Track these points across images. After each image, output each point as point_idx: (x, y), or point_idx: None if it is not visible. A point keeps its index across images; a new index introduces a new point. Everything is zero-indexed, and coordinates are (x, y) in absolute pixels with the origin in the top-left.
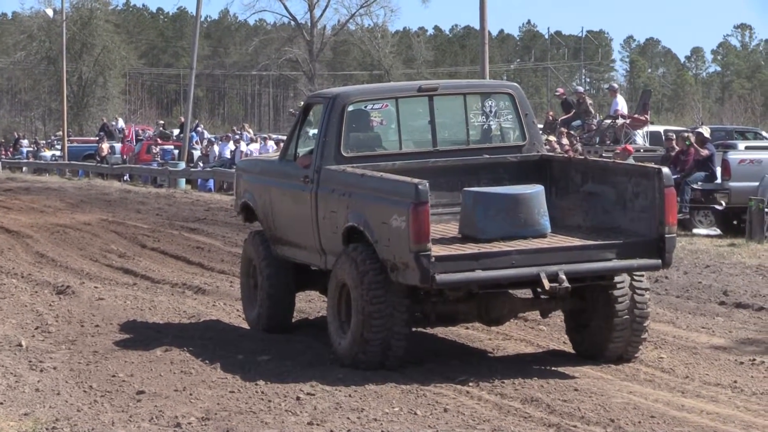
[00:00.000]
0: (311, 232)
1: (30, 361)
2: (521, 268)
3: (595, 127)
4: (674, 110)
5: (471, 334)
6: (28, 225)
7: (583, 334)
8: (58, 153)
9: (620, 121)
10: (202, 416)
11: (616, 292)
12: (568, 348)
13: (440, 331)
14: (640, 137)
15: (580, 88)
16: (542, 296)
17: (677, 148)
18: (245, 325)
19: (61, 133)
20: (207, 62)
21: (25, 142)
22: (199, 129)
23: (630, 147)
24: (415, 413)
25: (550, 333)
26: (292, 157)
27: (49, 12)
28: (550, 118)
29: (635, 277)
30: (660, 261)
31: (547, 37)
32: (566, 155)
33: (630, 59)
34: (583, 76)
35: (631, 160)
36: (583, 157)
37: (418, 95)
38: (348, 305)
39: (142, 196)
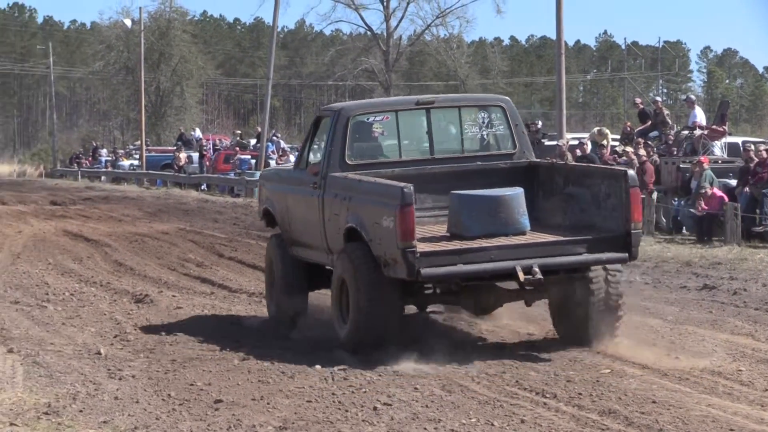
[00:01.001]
0: (319, 234)
1: (109, 369)
2: (499, 262)
3: (672, 138)
4: (752, 121)
5: (547, 345)
6: (107, 234)
7: (565, 321)
8: (136, 162)
9: (698, 132)
10: (280, 426)
11: (592, 283)
12: (644, 361)
13: (517, 342)
14: (718, 148)
15: (658, 98)
16: (527, 287)
17: (756, 160)
18: (322, 336)
19: (139, 142)
20: (283, 72)
21: (103, 151)
22: (275, 138)
23: (706, 158)
24: (492, 424)
25: (628, 346)
26: (304, 166)
27: (128, 22)
28: (628, 128)
29: (609, 269)
30: (627, 254)
31: (623, 47)
32: (551, 161)
33: (707, 70)
34: (660, 87)
35: (708, 173)
36: (564, 162)
37: (416, 108)
38: (347, 298)
39: (219, 205)
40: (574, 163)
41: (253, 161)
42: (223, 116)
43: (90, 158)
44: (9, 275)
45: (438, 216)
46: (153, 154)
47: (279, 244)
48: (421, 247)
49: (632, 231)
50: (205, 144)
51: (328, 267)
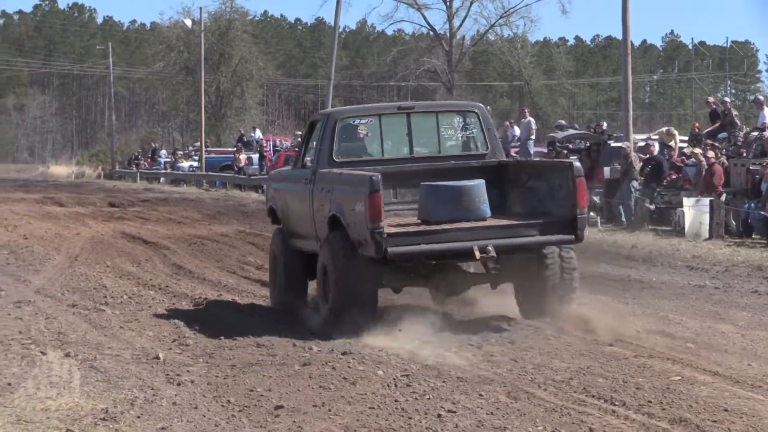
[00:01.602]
0: (311, 224)
1: (167, 374)
2: (458, 243)
3: (741, 140)
4: None
5: (614, 351)
6: (166, 236)
7: (526, 298)
8: (195, 164)
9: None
10: None
11: (547, 261)
12: (715, 368)
13: (585, 348)
14: None
15: (727, 99)
16: (492, 271)
17: None
18: (385, 342)
19: (198, 143)
20: (345, 73)
21: (163, 152)
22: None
23: None
24: None
25: (697, 350)
26: (300, 165)
27: (188, 22)
28: (696, 130)
29: (562, 249)
30: (573, 236)
31: (690, 47)
32: (516, 159)
33: None
34: (728, 88)
35: None
36: (525, 159)
37: (398, 113)
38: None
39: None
40: (638, 163)
41: None
42: (284, 117)
43: (149, 159)
44: (66, 278)
45: (416, 209)
46: (212, 155)
47: (281, 238)
48: (389, 229)
49: (578, 216)
50: (265, 145)
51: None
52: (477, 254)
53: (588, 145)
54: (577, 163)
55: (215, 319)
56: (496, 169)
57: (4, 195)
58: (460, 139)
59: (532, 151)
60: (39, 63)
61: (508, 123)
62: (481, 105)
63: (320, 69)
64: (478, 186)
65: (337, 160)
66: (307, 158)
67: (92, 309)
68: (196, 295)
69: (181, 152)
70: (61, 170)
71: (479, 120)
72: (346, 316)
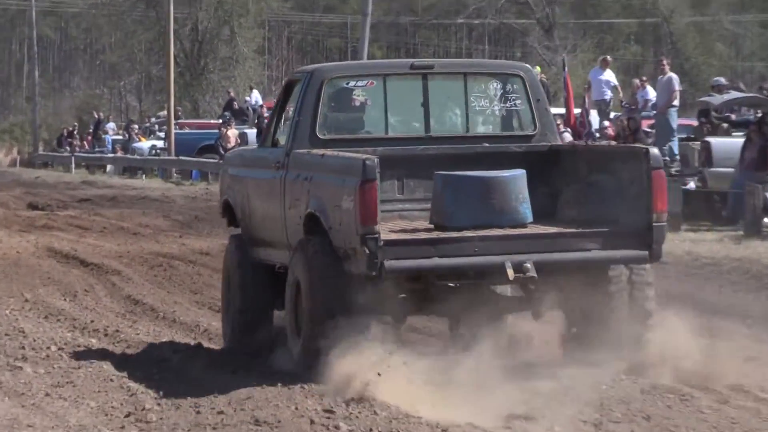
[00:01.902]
0: (281, 225)
1: None
2: (484, 257)
3: None
4: None
5: None
6: (115, 255)
7: (580, 331)
8: (160, 144)
9: None
10: None
11: (612, 285)
12: None
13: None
14: None
15: None
16: (536, 295)
17: None
18: (438, 413)
19: (165, 113)
20: (387, 5)
21: (110, 126)
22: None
23: None
24: None
25: None
26: (269, 144)
27: None
28: None
29: (634, 271)
30: (646, 252)
31: None
32: (574, 144)
33: None
34: None
35: None
36: (587, 144)
37: (410, 73)
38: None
39: None
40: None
41: None
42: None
43: (89, 137)
44: None
45: (429, 209)
46: (186, 131)
47: (238, 247)
48: (389, 235)
49: (654, 224)
50: (266, 114)
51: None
52: (510, 274)
53: (760, 115)
54: (656, 151)
55: (189, 381)
56: (544, 156)
57: None
58: (497, 113)
59: (674, 124)
60: None
61: (637, 82)
62: (527, 66)
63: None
64: (516, 179)
65: (321, 136)
66: (280, 134)
67: (4, 366)
68: (159, 343)
69: (138, 127)
70: None
71: (525, 87)
72: (322, 359)
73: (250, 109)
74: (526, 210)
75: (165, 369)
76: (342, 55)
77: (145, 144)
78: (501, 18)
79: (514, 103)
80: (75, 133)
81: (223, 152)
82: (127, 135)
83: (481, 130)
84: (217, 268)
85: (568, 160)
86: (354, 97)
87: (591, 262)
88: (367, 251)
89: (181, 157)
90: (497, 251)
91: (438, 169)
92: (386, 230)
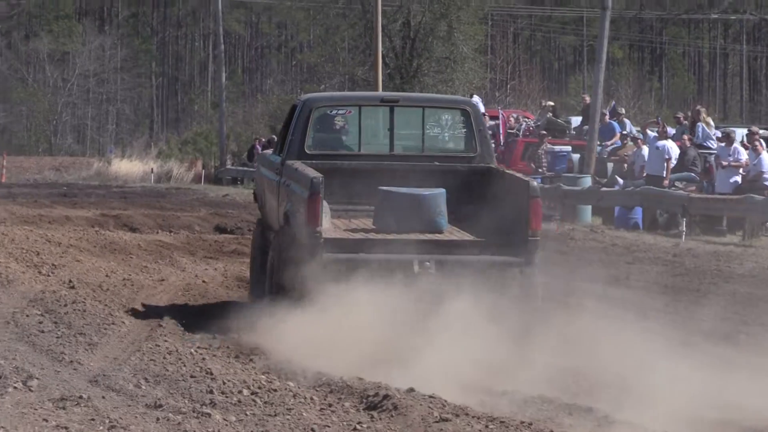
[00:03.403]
0: (275, 216)
1: None
2: (397, 255)
3: None
4: None
5: None
6: None
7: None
8: None
9: None
10: None
11: (507, 282)
12: None
13: None
14: None
15: None
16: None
17: None
18: None
19: None
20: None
21: None
22: (620, 113)
23: None
24: None
25: None
26: (279, 151)
27: None
28: None
29: (524, 272)
30: (523, 259)
31: None
32: (489, 167)
33: None
34: None
35: None
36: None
37: (380, 104)
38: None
39: None
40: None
41: (577, 156)
42: (522, 74)
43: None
44: (144, 357)
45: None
46: None
47: (258, 228)
48: (329, 233)
49: (529, 238)
50: (491, 124)
51: None
52: (416, 268)
53: None
54: (534, 183)
55: None
56: (483, 175)
57: (35, 212)
58: (446, 138)
59: None
60: None
61: None
62: (473, 102)
63: None
64: (436, 196)
65: (308, 151)
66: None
67: (189, 413)
68: (367, 385)
69: None
70: (131, 168)
71: (470, 119)
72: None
73: None
74: (442, 220)
75: (376, 419)
76: (577, 54)
77: None
78: (762, 14)
79: (461, 131)
80: (268, 144)
81: None
82: None
83: (433, 150)
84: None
85: (485, 179)
86: (335, 121)
87: (477, 263)
88: (312, 245)
89: None
90: (409, 251)
91: (398, 180)
92: (338, 229)
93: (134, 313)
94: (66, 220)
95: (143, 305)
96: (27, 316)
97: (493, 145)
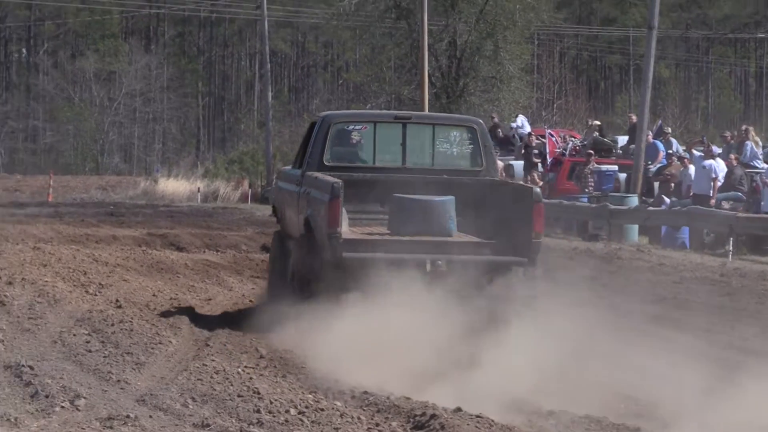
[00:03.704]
0: (297, 224)
1: None
2: (412, 254)
3: None
4: None
5: None
6: None
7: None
8: None
9: None
10: None
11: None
12: None
13: None
14: None
15: None
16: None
17: None
18: None
19: None
20: (677, 16)
21: None
22: (666, 132)
23: None
24: None
25: None
26: (298, 165)
27: None
28: None
29: (526, 271)
30: (526, 259)
31: None
32: (493, 179)
33: None
34: None
35: None
36: (501, 179)
37: (394, 121)
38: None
39: (560, 254)
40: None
41: (624, 176)
42: (569, 93)
43: None
44: (191, 377)
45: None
46: None
47: (276, 240)
48: (349, 235)
49: (533, 240)
50: (536, 143)
51: None
52: (428, 267)
53: None
54: (537, 189)
55: None
56: (488, 188)
57: (82, 231)
58: (455, 153)
59: None
60: None
61: None
62: (480, 121)
63: (635, 8)
64: (446, 203)
65: (327, 164)
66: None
67: None
68: (415, 404)
69: None
70: (177, 187)
71: (477, 136)
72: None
73: (516, 136)
74: (452, 224)
75: None
76: (623, 73)
77: None
78: None
79: (468, 147)
80: None
81: None
82: None
83: (442, 164)
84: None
85: (490, 190)
86: (352, 136)
87: (484, 263)
88: (332, 245)
89: None
90: (422, 251)
91: (410, 191)
92: (355, 232)
93: (181, 332)
94: (113, 240)
95: (190, 325)
96: (74, 335)
97: (539, 165)
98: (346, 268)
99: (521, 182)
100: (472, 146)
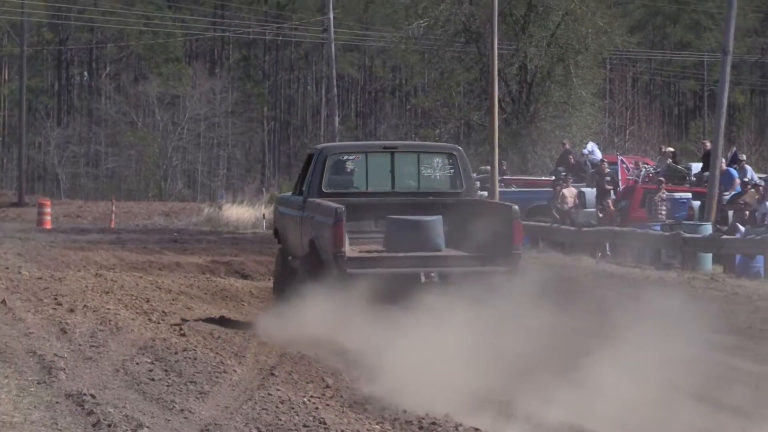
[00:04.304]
0: (300, 245)
1: None
2: (407, 268)
3: None
4: None
5: None
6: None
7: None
8: None
9: None
10: None
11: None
12: None
13: None
14: None
15: None
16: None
17: None
18: None
19: (488, 167)
20: (752, 41)
21: None
22: (741, 159)
23: None
24: None
25: None
26: (298, 192)
27: None
28: None
29: (508, 279)
30: (507, 269)
31: None
32: (473, 199)
33: None
34: None
35: None
36: (479, 199)
37: (382, 151)
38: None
39: (631, 283)
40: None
41: (697, 204)
42: (642, 120)
43: None
44: (256, 406)
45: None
46: (513, 188)
47: (280, 255)
48: (352, 254)
49: (513, 252)
50: (608, 170)
51: None
52: (422, 278)
53: None
54: (516, 207)
55: None
56: (469, 206)
57: (145, 258)
58: (438, 177)
59: None
60: (205, 22)
61: None
62: (459, 148)
63: (707, 33)
64: (435, 221)
65: (325, 191)
66: (305, 188)
67: None
68: None
69: None
70: (242, 213)
71: (456, 161)
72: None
73: (588, 163)
74: (440, 241)
75: None
76: (697, 99)
77: None
78: None
79: (450, 172)
80: None
81: (557, 215)
82: None
83: (427, 187)
84: None
85: (471, 209)
86: (347, 165)
87: (472, 273)
88: (338, 263)
89: None
90: (416, 265)
91: (400, 212)
92: (356, 251)
93: (246, 361)
94: (176, 267)
95: (255, 353)
96: (137, 363)
97: (612, 192)
98: (351, 283)
99: (592, 209)
100: (453, 170)
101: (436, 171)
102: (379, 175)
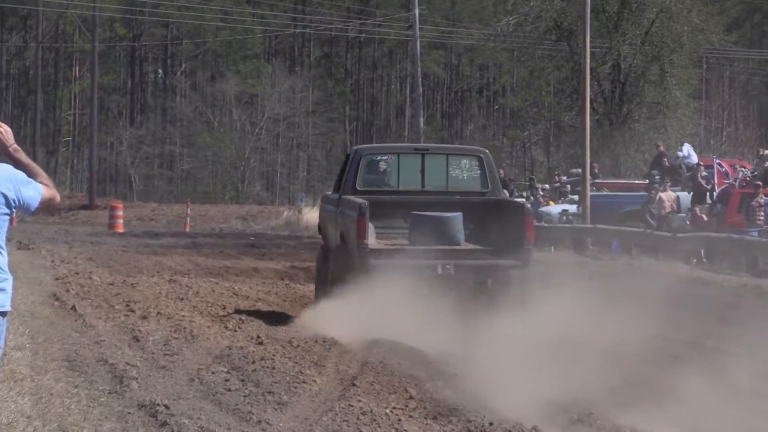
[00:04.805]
0: (336, 239)
1: None
2: (426, 260)
3: None
4: None
5: None
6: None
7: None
8: (572, 208)
9: None
10: None
11: (511, 278)
12: None
13: None
14: None
15: None
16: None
17: None
18: None
19: (578, 170)
20: None
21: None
22: None
23: None
24: None
25: None
26: (336, 191)
27: None
28: None
29: (521, 271)
30: (520, 262)
31: None
32: (495, 198)
33: None
34: None
35: None
36: (499, 198)
37: (414, 152)
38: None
39: (727, 291)
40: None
41: None
42: (740, 122)
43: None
44: (337, 418)
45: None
46: (605, 192)
47: (321, 252)
48: (375, 246)
49: (525, 246)
50: (705, 174)
51: None
52: (439, 270)
53: None
54: (527, 205)
55: None
56: (493, 205)
57: (221, 263)
58: (465, 178)
59: None
60: (285, 18)
61: None
62: (485, 150)
63: None
64: (455, 217)
65: (359, 188)
66: (341, 186)
67: None
68: None
69: (543, 187)
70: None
71: (482, 163)
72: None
73: (683, 166)
74: (460, 236)
75: None
76: None
77: (554, 208)
78: None
79: (476, 172)
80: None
81: (651, 220)
82: (531, 196)
83: (455, 187)
84: None
85: (492, 207)
86: (380, 165)
87: (486, 266)
88: (361, 254)
89: (599, 225)
90: (433, 258)
91: (429, 209)
92: (381, 243)
93: (326, 370)
94: (254, 272)
95: (335, 362)
96: (212, 373)
97: (708, 196)
98: (372, 273)
99: (683, 214)
100: (480, 172)
101: (463, 172)
102: (410, 175)
